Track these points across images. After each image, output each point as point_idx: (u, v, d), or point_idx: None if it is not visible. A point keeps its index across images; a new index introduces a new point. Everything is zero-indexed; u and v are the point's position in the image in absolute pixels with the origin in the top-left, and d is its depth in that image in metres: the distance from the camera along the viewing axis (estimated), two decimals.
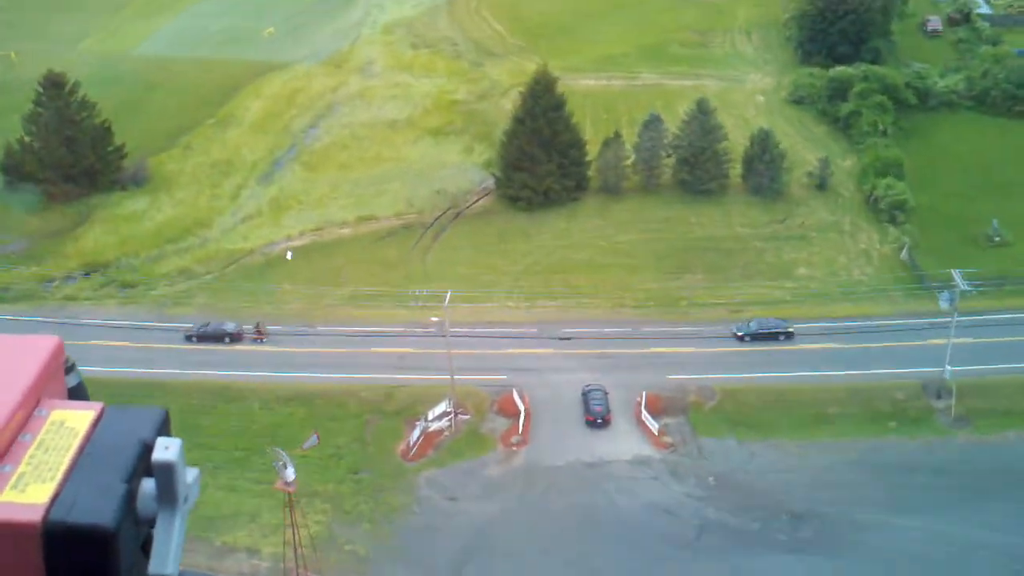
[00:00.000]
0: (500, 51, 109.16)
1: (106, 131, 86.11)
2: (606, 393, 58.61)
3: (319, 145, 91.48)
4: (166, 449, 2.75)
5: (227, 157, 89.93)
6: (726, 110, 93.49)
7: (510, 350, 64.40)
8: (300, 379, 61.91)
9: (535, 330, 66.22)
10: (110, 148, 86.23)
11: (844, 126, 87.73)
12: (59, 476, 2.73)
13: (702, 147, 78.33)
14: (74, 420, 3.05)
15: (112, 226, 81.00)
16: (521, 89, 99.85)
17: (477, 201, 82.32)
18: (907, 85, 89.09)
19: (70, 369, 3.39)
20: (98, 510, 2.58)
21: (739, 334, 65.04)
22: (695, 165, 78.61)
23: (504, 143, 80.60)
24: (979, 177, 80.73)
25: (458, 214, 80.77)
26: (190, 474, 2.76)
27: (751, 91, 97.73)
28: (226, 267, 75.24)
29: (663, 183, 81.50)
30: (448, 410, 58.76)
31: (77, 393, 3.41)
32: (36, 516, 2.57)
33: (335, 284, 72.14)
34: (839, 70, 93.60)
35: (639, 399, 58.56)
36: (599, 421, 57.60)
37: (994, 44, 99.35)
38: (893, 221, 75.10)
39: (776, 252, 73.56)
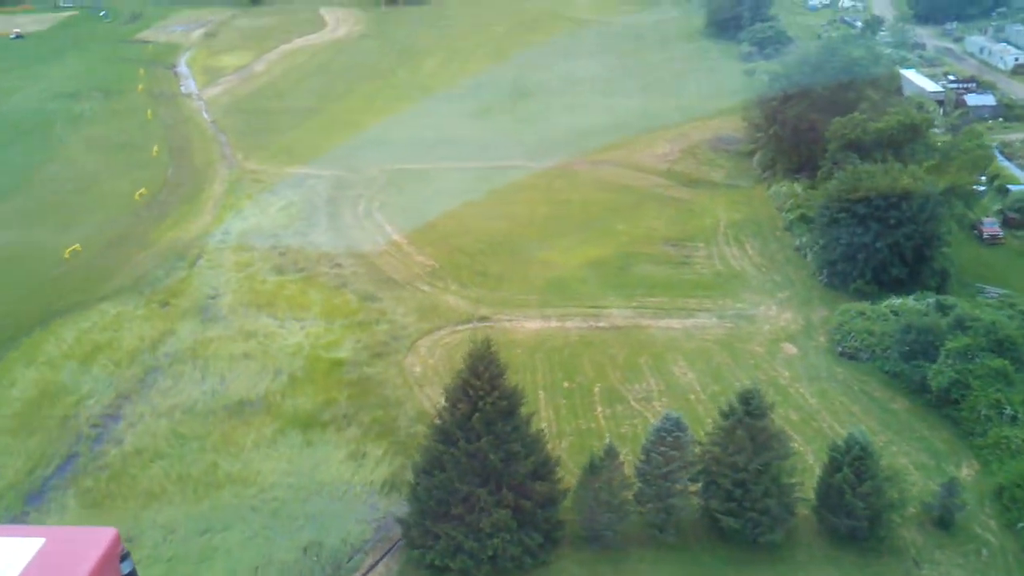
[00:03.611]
0: (402, 276, 77.02)
1: None
2: None
3: (116, 454, 56.43)
4: None
5: None
6: (743, 370, 62.62)
7: None
8: None
9: None
10: None
11: (938, 403, 56.99)
12: None
13: (756, 470, 46.05)
14: None
15: None
16: (432, 331, 68.30)
17: (375, 567, 48.07)
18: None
19: (124, 557, 3.89)
20: None
21: None
22: (744, 501, 46.15)
23: (420, 472, 47.04)
24: None
25: None
26: None
27: (771, 336, 67.03)
28: None
29: (686, 528, 48.75)
30: None
31: None
32: None
33: None
34: (905, 307, 64.15)
35: None
36: None
37: None
38: None
39: None
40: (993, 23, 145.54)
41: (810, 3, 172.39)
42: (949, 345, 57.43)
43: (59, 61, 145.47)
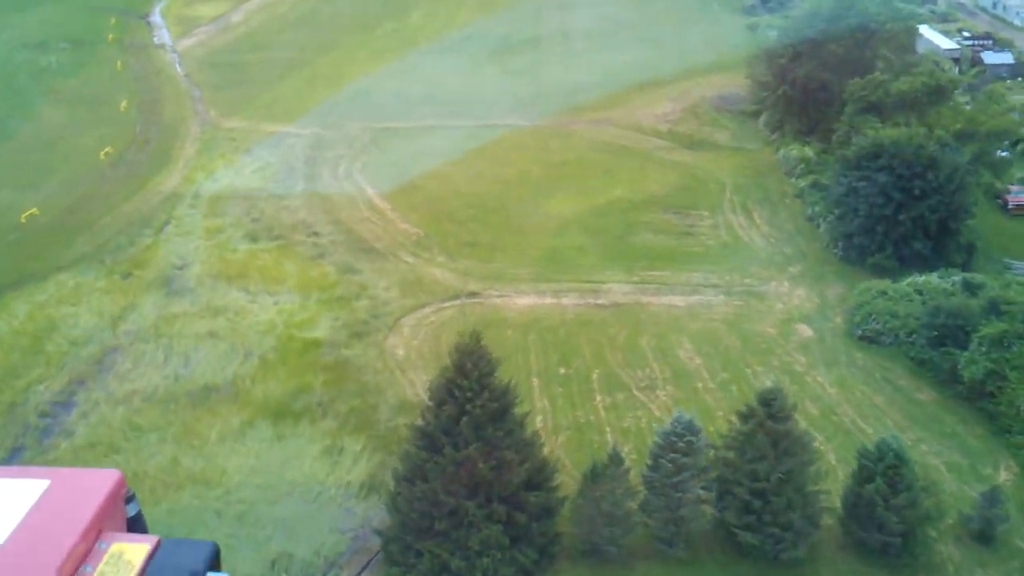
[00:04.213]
0: (384, 245, 71.52)
1: None
2: None
3: (66, 447, 51.22)
4: None
5: None
6: (755, 355, 57.58)
7: None
8: None
9: None
10: None
11: (971, 395, 52.07)
12: None
13: (778, 479, 41.07)
14: (131, 553, 3.41)
15: None
16: (417, 308, 63.17)
17: None
18: None
19: (130, 499, 3.85)
20: None
21: None
22: (763, 514, 41.24)
23: (401, 480, 41.96)
24: None
25: None
26: None
27: (783, 315, 61.91)
28: None
29: (697, 541, 43.87)
30: None
31: (136, 523, 3.87)
32: None
33: None
34: (930, 285, 59.11)
35: None
36: None
37: None
38: None
39: None
40: None
41: None
42: (983, 331, 52.40)
43: (29, 9, 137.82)
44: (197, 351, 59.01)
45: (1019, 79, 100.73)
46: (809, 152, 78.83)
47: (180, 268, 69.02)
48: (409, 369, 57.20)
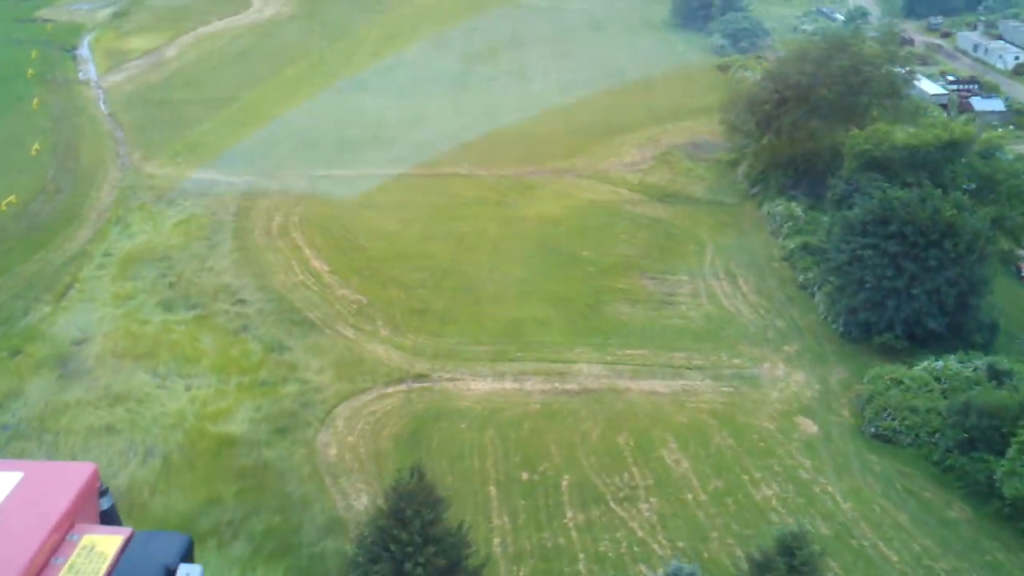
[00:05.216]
0: (320, 315, 62.12)
1: None
2: None
3: None
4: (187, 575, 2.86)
5: None
6: (752, 458, 48.90)
7: None
8: None
9: None
10: None
11: (1014, 513, 43.64)
12: None
13: None
14: (104, 545, 3.23)
15: None
16: (354, 394, 54.04)
17: None
18: None
19: (103, 493, 3.56)
20: None
21: None
22: None
23: None
24: None
25: None
26: None
27: (781, 406, 53.30)
28: None
29: None
30: None
31: (109, 516, 3.56)
32: None
33: None
34: (949, 371, 50.95)
35: None
36: None
37: None
38: None
39: None
40: (982, 18, 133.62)
41: None
42: (1020, 436, 44.01)
43: None
44: (88, 451, 49.05)
45: (1011, 127, 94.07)
46: (797, 209, 71.00)
47: (79, 344, 59.05)
48: (342, 475, 47.75)
